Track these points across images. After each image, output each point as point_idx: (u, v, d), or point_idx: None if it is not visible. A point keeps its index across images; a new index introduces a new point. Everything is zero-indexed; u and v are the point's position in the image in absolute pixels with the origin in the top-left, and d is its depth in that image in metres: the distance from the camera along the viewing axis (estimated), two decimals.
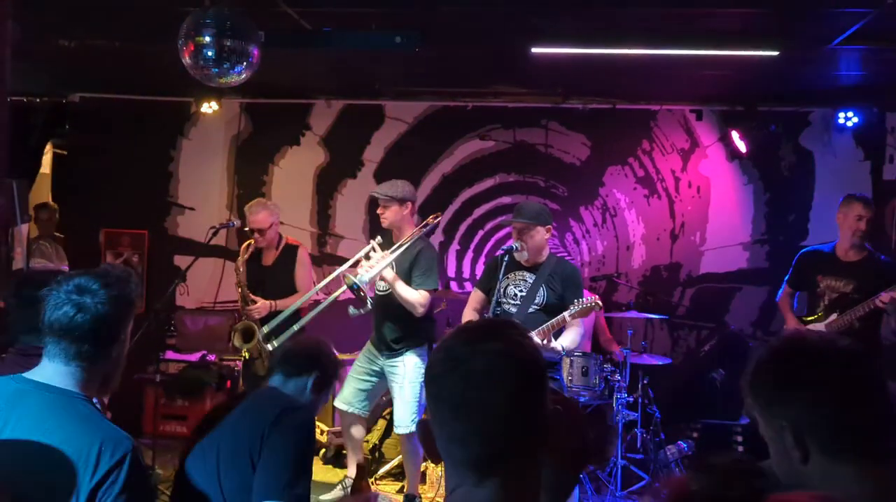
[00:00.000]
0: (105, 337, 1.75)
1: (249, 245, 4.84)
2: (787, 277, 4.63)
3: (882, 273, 4.17)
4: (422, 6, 3.83)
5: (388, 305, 4.35)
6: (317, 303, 4.59)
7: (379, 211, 4.41)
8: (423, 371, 4.39)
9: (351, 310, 4.24)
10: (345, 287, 4.19)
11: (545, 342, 3.80)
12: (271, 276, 4.79)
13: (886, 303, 3.99)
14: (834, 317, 4.25)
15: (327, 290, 4.58)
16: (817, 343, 1.36)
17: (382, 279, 4.24)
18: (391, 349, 4.41)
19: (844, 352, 1.33)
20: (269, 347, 4.36)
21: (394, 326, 4.39)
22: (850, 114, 5.58)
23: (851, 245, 4.30)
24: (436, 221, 4.50)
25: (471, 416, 1.12)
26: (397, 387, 4.40)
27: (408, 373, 4.37)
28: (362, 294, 4.09)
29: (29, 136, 6.04)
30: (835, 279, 4.30)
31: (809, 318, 4.43)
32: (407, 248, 4.34)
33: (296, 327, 4.34)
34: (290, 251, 4.89)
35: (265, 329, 4.45)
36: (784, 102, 5.76)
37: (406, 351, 4.38)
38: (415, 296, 4.25)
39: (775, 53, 4.16)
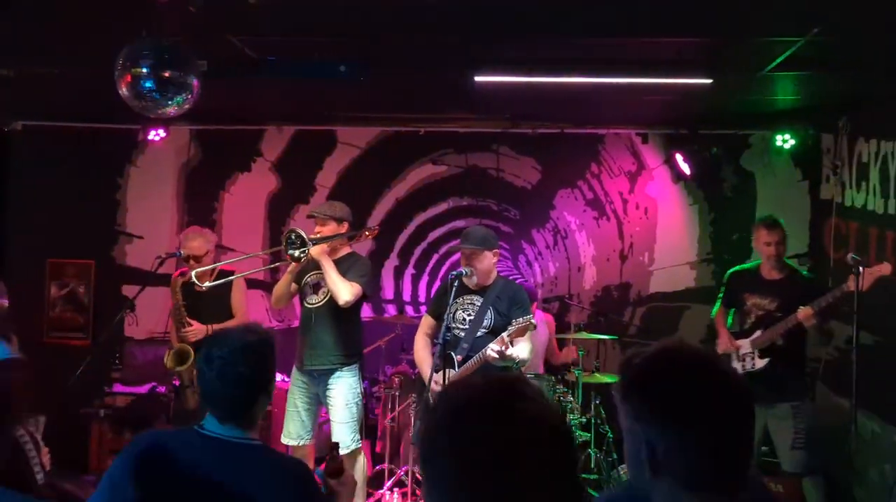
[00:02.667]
0: None
1: (183, 274, 4.79)
2: (720, 295, 4.79)
3: (802, 290, 4.30)
4: (365, 35, 3.87)
5: (323, 318, 4.37)
6: None
7: (317, 229, 4.43)
8: (358, 390, 4.42)
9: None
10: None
11: (503, 349, 3.80)
12: (208, 302, 4.74)
13: (802, 318, 4.12)
14: (758, 333, 4.37)
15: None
16: (700, 367, 1.26)
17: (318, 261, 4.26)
18: (325, 366, 4.38)
19: (723, 383, 1.25)
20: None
21: (329, 340, 4.38)
22: (786, 136, 5.74)
23: (772, 265, 4.44)
24: (369, 233, 4.75)
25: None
26: (336, 410, 4.38)
27: (346, 394, 4.37)
28: (299, 253, 4.18)
29: None
30: (760, 297, 4.43)
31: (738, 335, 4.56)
32: (342, 259, 4.42)
33: None
34: (226, 276, 4.83)
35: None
36: (725, 126, 5.92)
37: (341, 369, 4.38)
38: (346, 283, 4.26)
39: (709, 81, 4.30)
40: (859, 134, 5.20)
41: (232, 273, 4.81)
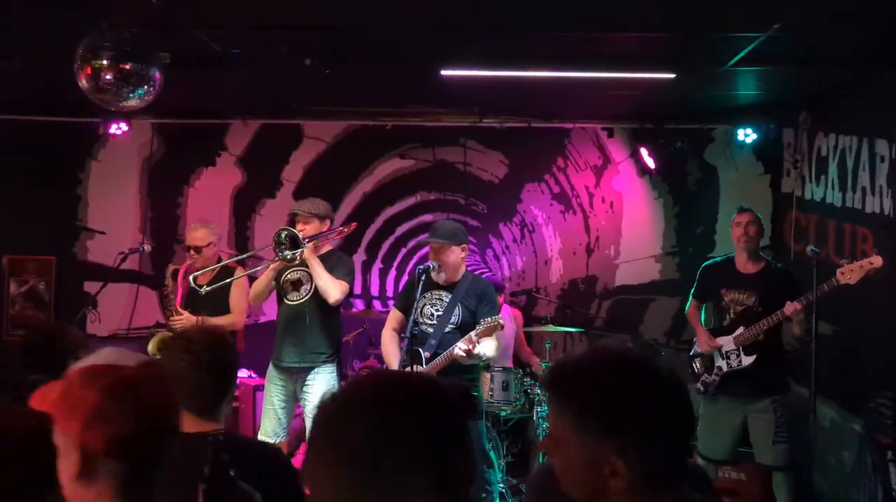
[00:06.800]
0: None
1: (176, 269, 4.71)
2: (692, 290, 4.65)
3: (779, 283, 4.22)
4: (331, 28, 3.84)
5: (305, 316, 4.35)
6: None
7: (299, 227, 4.39)
8: (336, 386, 4.41)
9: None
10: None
11: (470, 348, 3.81)
12: (205, 296, 4.65)
13: (790, 313, 3.98)
14: (741, 330, 4.21)
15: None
16: (646, 363, 1.31)
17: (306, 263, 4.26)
18: (306, 363, 4.37)
19: (667, 375, 1.30)
20: None
21: (310, 337, 4.36)
22: (748, 130, 5.83)
23: (746, 256, 4.33)
24: (347, 230, 4.68)
25: None
26: (312, 406, 4.36)
27: (324, 391, 4.34)
28: (292, 254, 4.16)
29: None
30: (738, 292, 4.30)
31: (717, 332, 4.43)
32: (325, 257, 4.40)
33: None
34: (227, 272, 4.75)
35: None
36: (688, 120, 6.00)
37: (320, 365, 4.38)
38: (336, 282, 4.28)
39: (672, 76, 4.35)
40: (819, 128, 5.30)
41: (234, 269, 4.73)
